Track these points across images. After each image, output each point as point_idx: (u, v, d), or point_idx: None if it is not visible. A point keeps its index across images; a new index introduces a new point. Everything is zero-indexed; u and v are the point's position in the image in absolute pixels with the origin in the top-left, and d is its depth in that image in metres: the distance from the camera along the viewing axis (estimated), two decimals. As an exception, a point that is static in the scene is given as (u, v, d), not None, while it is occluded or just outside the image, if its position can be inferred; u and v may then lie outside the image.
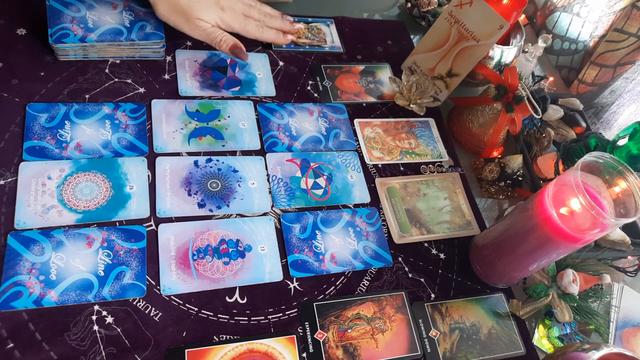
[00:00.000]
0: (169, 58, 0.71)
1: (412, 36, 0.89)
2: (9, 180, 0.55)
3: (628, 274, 0.69)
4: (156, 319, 0.52)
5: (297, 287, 0.58)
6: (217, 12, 0.66)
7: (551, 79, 0.91)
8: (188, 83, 0.70)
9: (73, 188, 0.57)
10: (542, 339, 0.62)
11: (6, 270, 0.50)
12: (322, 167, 0.68)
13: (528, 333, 0.62)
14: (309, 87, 0.76)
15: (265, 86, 0.73)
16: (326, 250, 0.61)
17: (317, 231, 0.62)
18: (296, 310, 0.56)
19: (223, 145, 0.65)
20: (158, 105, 0.66)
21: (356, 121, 0.74)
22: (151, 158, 0.62)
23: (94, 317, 0.50)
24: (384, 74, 0.81)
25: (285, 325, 0.55)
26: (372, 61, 0.82)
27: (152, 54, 0.69)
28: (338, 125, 0.73)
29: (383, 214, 0.66)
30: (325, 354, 0.54)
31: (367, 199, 0.67)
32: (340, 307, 0.57)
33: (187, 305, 0.53)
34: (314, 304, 0.57)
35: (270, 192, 0.63)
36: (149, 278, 0.54)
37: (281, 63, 0.77)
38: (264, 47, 0.77)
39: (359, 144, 0.72)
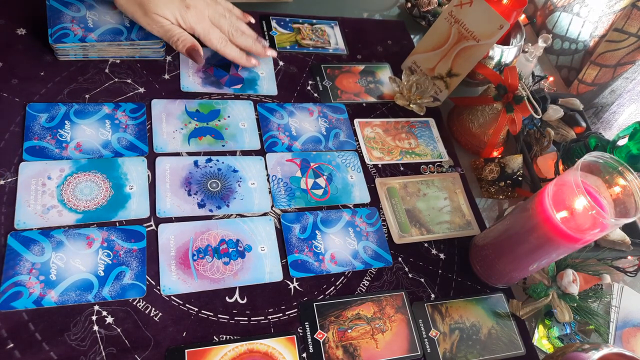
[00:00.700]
0: (169, 58, 0.71)
1: (412, 36, 0.89)
2: (9, 180, 0.55)
3: (628, 274, 0.69)
4: (156, 319, 0.52)
5: (297, 287, 0.58)
6: (180, 10, 0.63)
7: (551, 78, 0.91)
8: (190, 79, 0.70)
9: (73, 188, 0.57)
10: (542, 339, 0.62)
11: (6, 270, 0.50)
12: (322, 167, 0.68)
13: (528, 333, 0.62)
14: (309, 87, 0.76)
15: (268, 85, 0.73)
16: (326, 250, 0.61)
17: (317, 231, 0.62)
18: (296, 310, 0.56)
19: (223, 145, 0.65)
20: (158, 105, 0.66)
21: (356, 121, 0.74)
22: (151, 158, 0.62)
23: (94, 317, 0.50)
24: (384, 73, 0.81)
25: (285, 326, 0.55)
26: (372, 61, 0.82)
27: (152, 54, 0.69)
28: (338, 125, 0.73)
29: (383, 214, 0.66)
30: (325, 354, 0.54)
31: (367, 199, 0.67)
32: (340, 307, 0.57)
33: (187, 305, 0.53)
34: (314, 304, 0.57)
35: (270, 192, 0.63)
36: (149, 278, 0.54)
37: (281, 63, 0.77)
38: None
39: (359, 144, 0.72)
